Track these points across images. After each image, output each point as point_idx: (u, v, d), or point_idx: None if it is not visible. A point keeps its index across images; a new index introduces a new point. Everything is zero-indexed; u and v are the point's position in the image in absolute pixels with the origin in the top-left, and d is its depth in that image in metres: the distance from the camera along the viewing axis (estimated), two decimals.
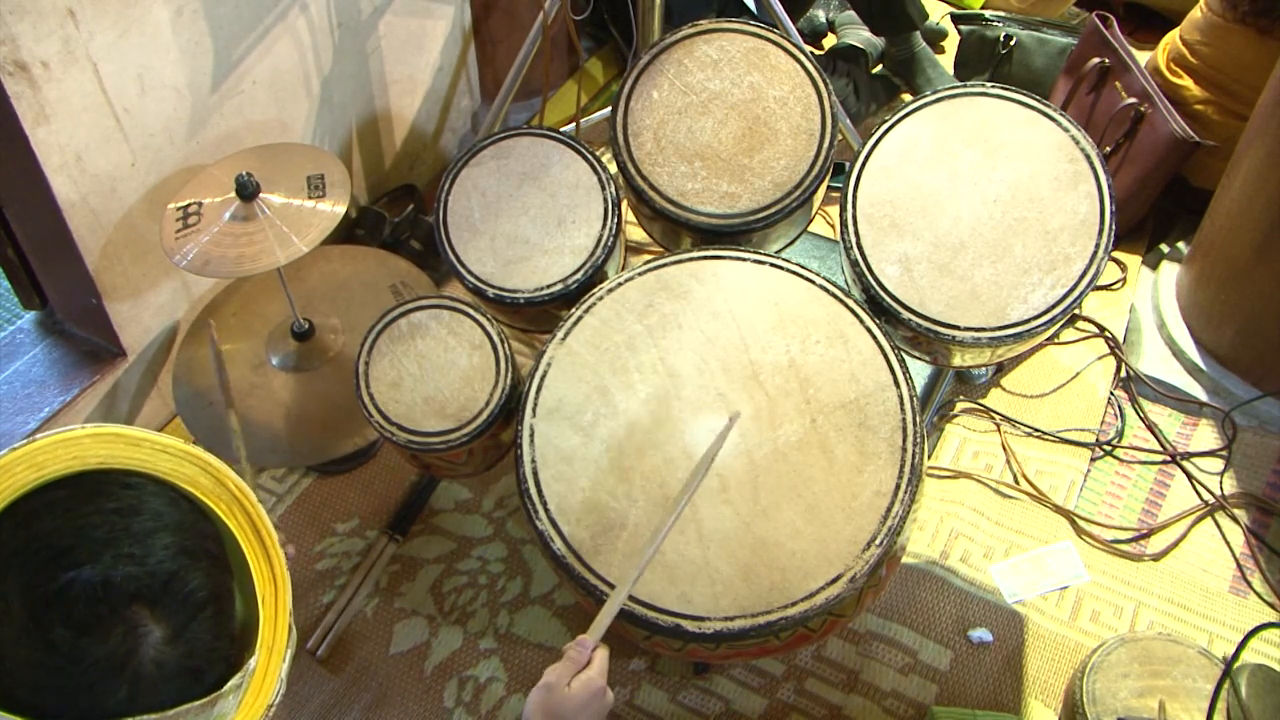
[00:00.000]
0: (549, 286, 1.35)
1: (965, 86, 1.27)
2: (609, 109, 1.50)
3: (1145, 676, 1.30)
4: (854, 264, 1.24)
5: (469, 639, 1.49)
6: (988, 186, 1.23)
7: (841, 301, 1.22)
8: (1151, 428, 1.76)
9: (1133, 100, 1.90)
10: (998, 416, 1.76)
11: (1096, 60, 1.98)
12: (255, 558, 0.76)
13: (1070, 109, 2.06)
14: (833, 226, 2.06)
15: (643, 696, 1.43)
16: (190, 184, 1.45)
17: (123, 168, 1.48)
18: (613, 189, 1.38)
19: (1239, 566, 1.57)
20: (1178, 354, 1.84)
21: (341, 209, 1.41)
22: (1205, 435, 1.74)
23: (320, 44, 1.74)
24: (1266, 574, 1.56)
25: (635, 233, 1.80)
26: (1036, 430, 1.74)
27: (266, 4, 1.60)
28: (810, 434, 1.16)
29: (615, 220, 1.37)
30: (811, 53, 1.38)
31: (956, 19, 2.41)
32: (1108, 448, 1.73)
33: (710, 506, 1.14)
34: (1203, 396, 1.79)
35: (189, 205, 1.41)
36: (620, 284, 1.27)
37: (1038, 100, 1.24)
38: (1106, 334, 1.89)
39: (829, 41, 2.54)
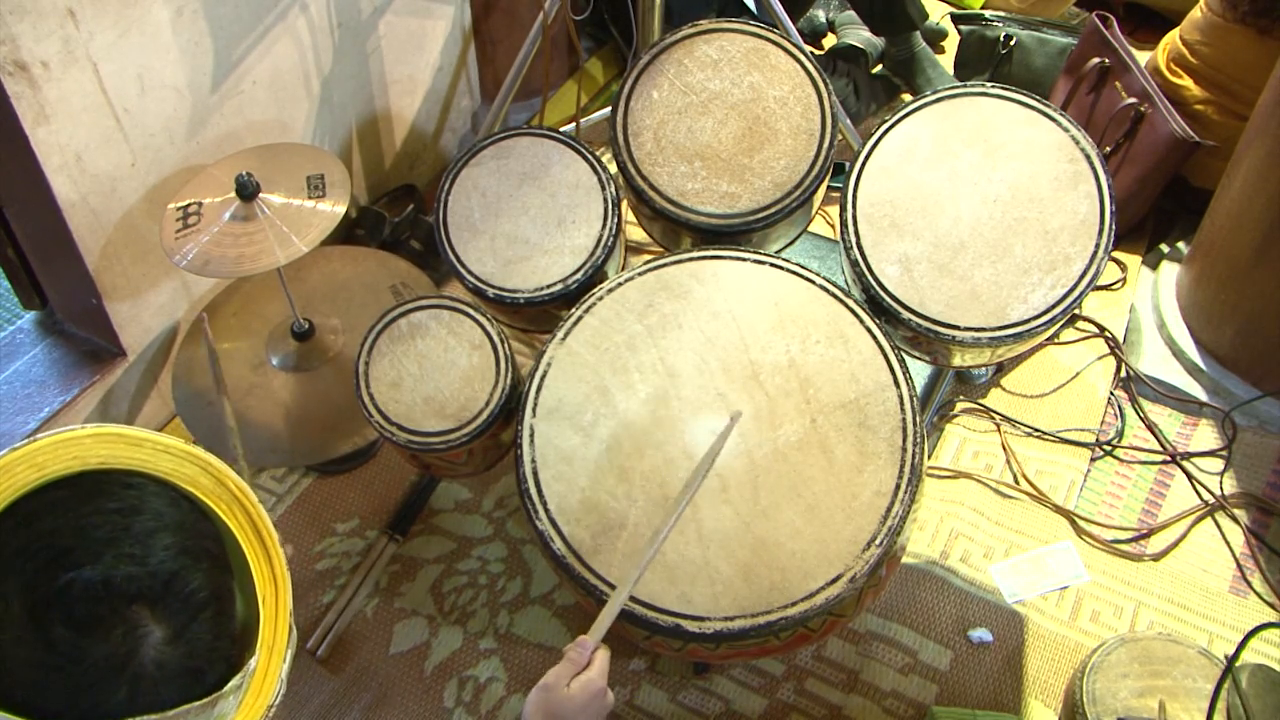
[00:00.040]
0: (549, 286, 1.35)
1: (965, 86, 1.27)
2: (609, 109, 1.50)
3: (1145, 676, 1.30)
4: (854, 264, 1.24)
5: (469, 639, 1.49)
6: (988, 186, 1.23)
7: (841, 301, 1.22)
8: (1151, 428, 1.76)
9: (1133, 100, 1.90)
10: (998, 416, 1.77)
11: (1096, 60, 1.99)
12: (256, 558, 0.76)
13: (1070, 109, 2.06)
14: (833, 226, 2.06)
15: (643, 696, 1.43)
16: (190, 184, 1.45)
17: (123, 168, 1.48)
18: (613, 189, 1.38)
19: (1239, 566, 1.57)
20: (1178, 354, 1.84)
21: (341, 209, 1.41)
22: (1205, 435, 1.74)
23: (320, 44, 1.74)
24: (1266, 574, 1.56)
25: (635, 233, 1.80)
26: (1036, 430, 1.74)
27: (266, 4, 1.60)
28: (810, 434, 1.16)
29: (615, 220, 1.37)
30: (811, 53, 1.38)
31: (956, 19, 2.41)
32: (1108, 448, 1.73)
33: (710, 506, 1.14)
34: (1203, 396, 1.79)
35: (189, 205, 1.41)
36: (620, 284, 1.27)
37: (1038, 100, 1.24)
38: (1106, 334, 1.89)
39: (829, 41, 2.54)
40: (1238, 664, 1.15)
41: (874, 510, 1.12)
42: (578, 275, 1.35)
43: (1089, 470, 1.70)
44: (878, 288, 1.22)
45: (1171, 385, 1.81)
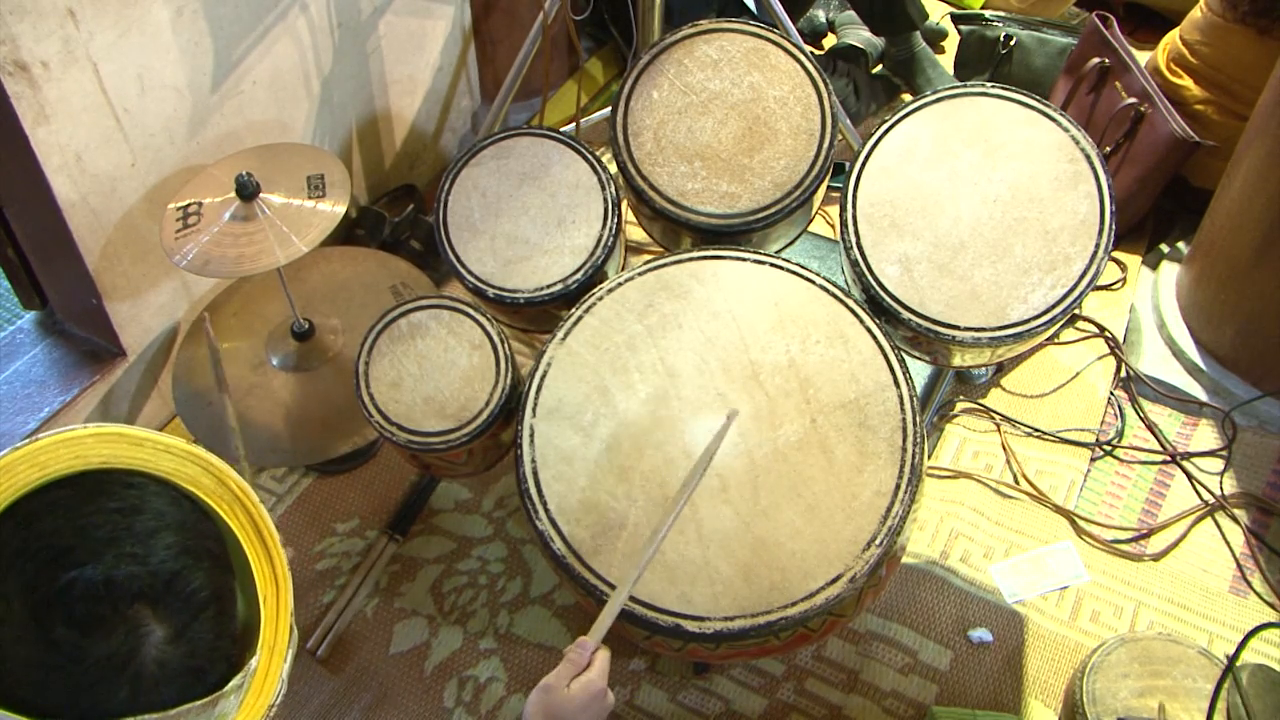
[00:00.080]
0: (549, 286, 1.35)
1: (965, 86, 1.27)
2: (609, 109, 1.50)
3: (1145, 676, 1.30)
4: (854, 264, 1.24)
5: (469, 639, 1.49)
6: (988, 186, 1.23)
7: (841, 301, 1.22)
8: (1151, 428, 1.76)
9: (1133, 100, 1.90)
10: (998, 416, 1.77)
11: (1096, 60, 1.99)
12: (257, 558, 0.76)
13: (1070, 109, 2.06)
14: (833, 226, 2.07)
15: (643, 696, 1.43)
16: (190, 184, 1.45)
17: (123, 168, 1.48)
18: (613, 189, 1.38)
19: (1239, 566, 1.57)
20: (1178, 354, 1.84)
21: (341, 209, 1.41)
22: (1205, 435, 1.74)
23: (320, 44, 1.74)
24: (1266, 574, 1.56)
25: (635, 233, 1.80)
26: (1036, 430, 1.75)
27: (266, 4, 1.60)
28: (810, 434, 1.16)
29: (615, 220, 1.37)
30: (811, 53, 1.38)
31: (956, 19, 2.41)
32: (1108, 448, 1.73)
33: (710, 506, 1.14)
34: (1203, 396, 1.79)
35: (189, 205, 1.41)
36: (620, 284, 1.27)
37: (1038, 100, 1.24)
38: (1106, 334, 1.89)
39: (829, 41, 2.54)
40: (1238, 664, 1.15)
41: (874, 510, 1.12)
42: (578, 275, 1.35)
43: (1089, 470, 1.70)
44: (878, 288, 1.23)
45: (1171, 385, 1.81)
